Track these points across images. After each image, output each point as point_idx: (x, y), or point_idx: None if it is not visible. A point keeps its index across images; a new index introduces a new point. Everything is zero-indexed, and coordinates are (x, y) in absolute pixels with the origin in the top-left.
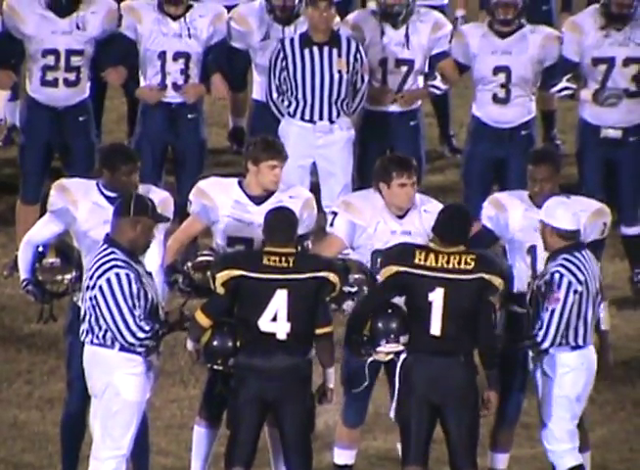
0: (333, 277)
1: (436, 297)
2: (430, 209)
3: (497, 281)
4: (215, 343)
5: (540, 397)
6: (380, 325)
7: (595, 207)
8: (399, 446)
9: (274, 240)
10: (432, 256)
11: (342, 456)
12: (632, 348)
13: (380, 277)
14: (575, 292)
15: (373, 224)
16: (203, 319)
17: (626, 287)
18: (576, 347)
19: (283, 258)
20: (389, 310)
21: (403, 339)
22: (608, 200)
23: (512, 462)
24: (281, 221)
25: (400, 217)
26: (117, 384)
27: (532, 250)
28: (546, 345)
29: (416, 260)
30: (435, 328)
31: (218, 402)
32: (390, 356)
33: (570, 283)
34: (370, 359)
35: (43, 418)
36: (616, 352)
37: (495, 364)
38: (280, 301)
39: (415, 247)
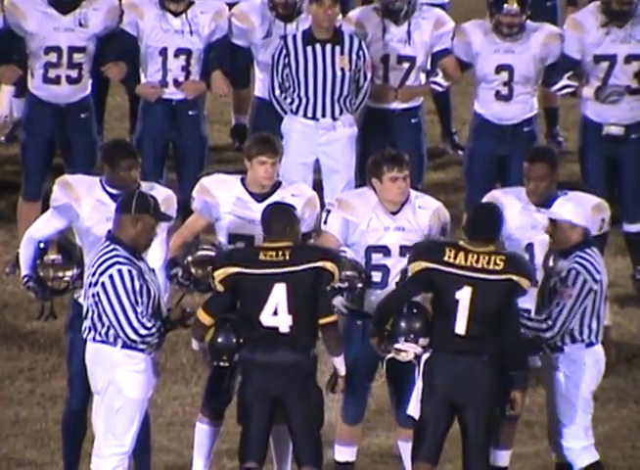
0: (330, 266)
1: (463, 296)
2: (424, 205)
3: (525, 283)
4: (220, 340)
5: (555, 395)
6: (402, 323)
7: (593, 202)
8: (400, 444)
9: (270, 235)
10: (461, 254)
11: (343, 453)
12: (635, 345)
13: (408, 272)
14: (590, 290)
15: (365, 220)
16: (204, 317)
17: (628, 284)
18: (591, 344)
19: (279, 252)
20: (415, 310)
21: (422, 341)
22: (610, 197)
23: (514, 459)
24: (275, 216)
25: (394, 213)
26: (120, 381)
27: (530, 247)
28: (548, 335)
29: (446, 258)
30: (460, 327)
31: (220, 399)
32: (410, 358)
33: (585, 281)
34: (389, 356)
35: (45, 415)
36: (618, 349)
37: (520, 366)
38: (279, 294)
39: (445, 244)
